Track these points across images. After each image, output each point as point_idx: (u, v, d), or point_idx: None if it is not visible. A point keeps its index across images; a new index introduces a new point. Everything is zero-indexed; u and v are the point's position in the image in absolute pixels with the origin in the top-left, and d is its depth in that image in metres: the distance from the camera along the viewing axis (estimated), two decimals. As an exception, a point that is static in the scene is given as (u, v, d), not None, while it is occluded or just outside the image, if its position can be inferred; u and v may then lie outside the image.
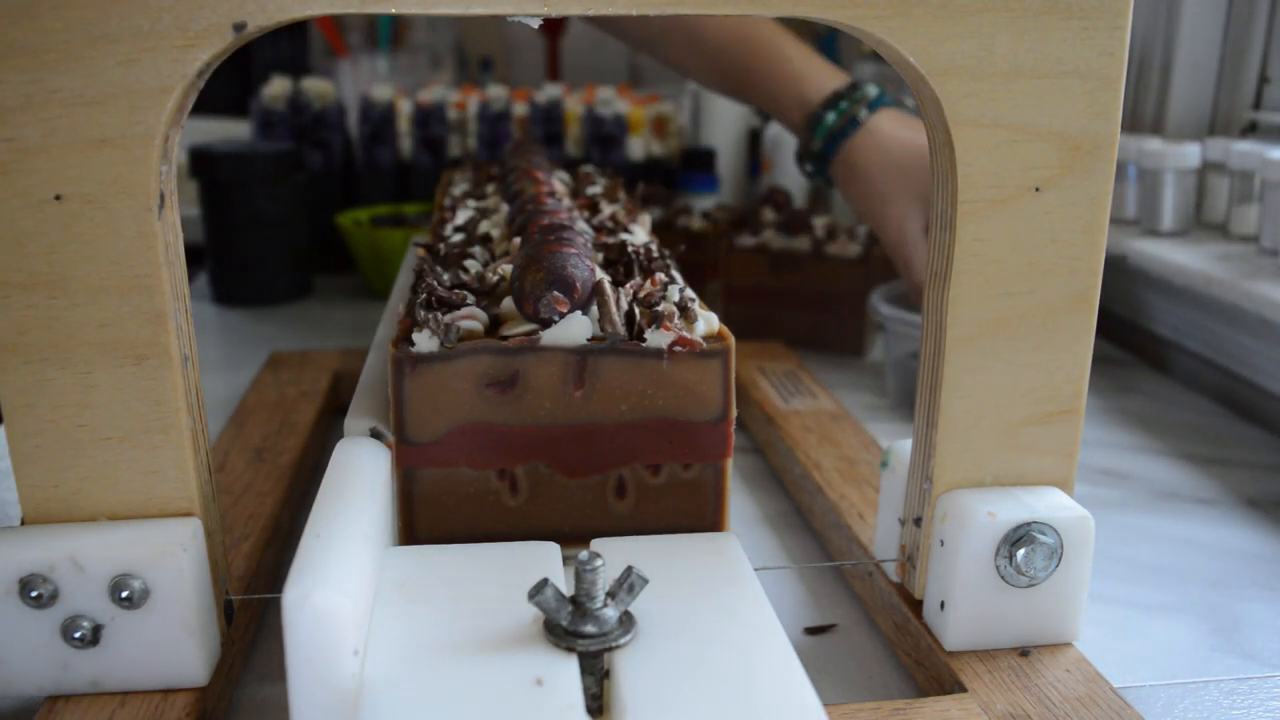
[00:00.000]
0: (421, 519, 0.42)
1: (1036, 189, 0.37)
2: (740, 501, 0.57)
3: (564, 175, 0.72)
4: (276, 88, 1.04)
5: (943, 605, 0.39)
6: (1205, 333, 0.75)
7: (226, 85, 1.83)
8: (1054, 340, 0.39)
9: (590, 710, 0.31)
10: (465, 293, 0.44)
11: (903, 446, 0.44)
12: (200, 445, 0.37)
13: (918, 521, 0.41)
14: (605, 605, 0.33)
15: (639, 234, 0.56)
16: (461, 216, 0.60)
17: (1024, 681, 0.38)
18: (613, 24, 0.79)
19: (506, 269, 0.46)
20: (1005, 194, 0.37)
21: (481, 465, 0.42)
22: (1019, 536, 0.38)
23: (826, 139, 0.71)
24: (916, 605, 0.42)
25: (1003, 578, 0.39)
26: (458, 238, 0.55)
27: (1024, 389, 0.39)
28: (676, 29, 0.75)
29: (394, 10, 0.33)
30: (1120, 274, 0.81)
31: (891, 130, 0.70)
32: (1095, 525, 0.39)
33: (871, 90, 0.71)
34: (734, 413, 0.42)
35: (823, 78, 0.72)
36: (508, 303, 0.43)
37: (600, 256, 0.49)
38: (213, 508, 0.38)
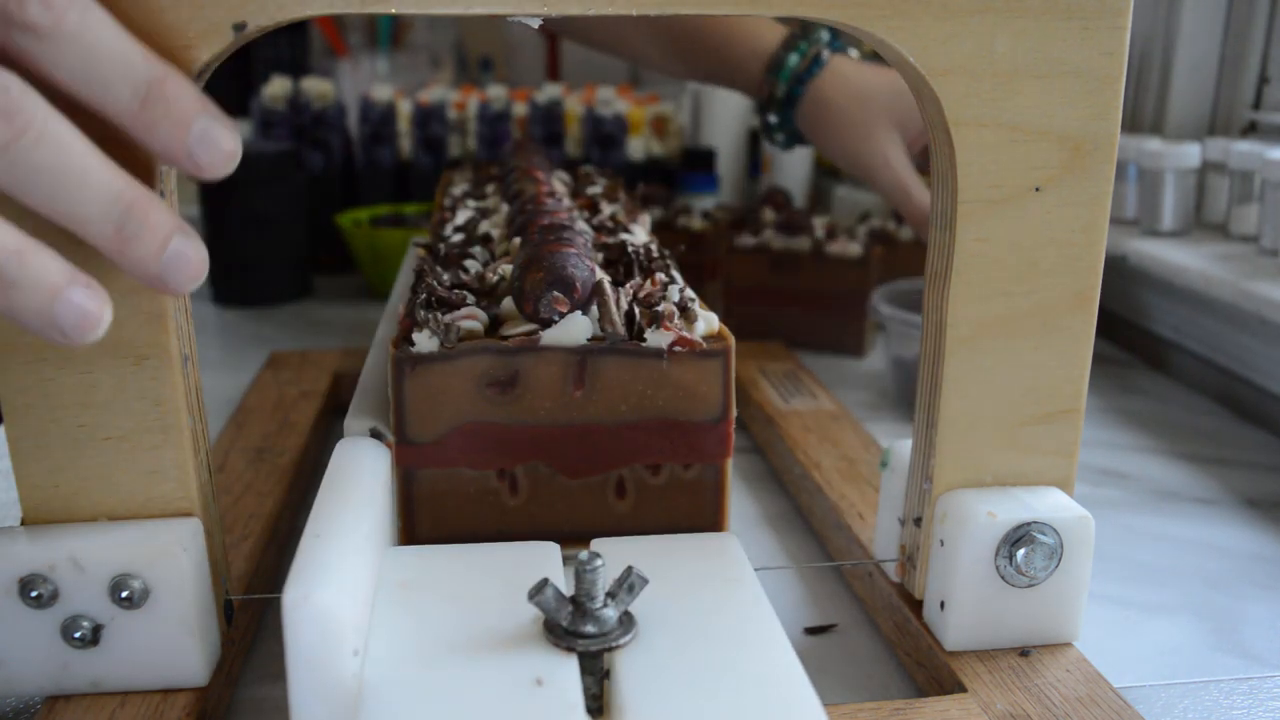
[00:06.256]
0: (421, 519, 0.42)
1: (1036, 189, 0.37)
2: (740, 501, 0.57)
3: (564, 175, 0.72)
4: (276, 88, 1.04)
5: (943, 605, 0.39)
6: (1205, 333, 0.75)
7: (226, 85, 1.82)
8: (1054, 340, 0.39)
9: (590, 710, 0.31)
10: (465, 293, 0.44)
11: (903, 446, 0.44)
12: (200, 445, 0.37)
13: (918, 521, 0.41)
14: (605, 605, 0.33)
15: (639, 234, 0.56)
16: (461, 216, 0.60)
17: (1024, 681, 0.38)
18: (570, 26, 0.78)
19: (506, 269, 0.46)
20: (1005, 194, 0.37)
21: (481, 465, 0.42)
22: (1019, 536, 0.38)
23: (792, 81, 0.70)
24: (916, 605, 0.42)
25: (1003, 578, 0.39)
26: (458, 238, 0.55)
27: (1024, 389, 0.39)
28: (633, 22, 0.75)
29: (394, 10, 0.33)
30: (1120, 274, 0.81)
31: (854, 67, 0.69)
32: (1095, 525, 0.39)
33: (825, 34, 0.70)
34: (734, 413, 0.42)
35: (775, 28, 0.71)
36: (508, 303, 0.43)
37: (600, 256, 0.49)
38: (213, 507, 0.38)
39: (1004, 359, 0.39)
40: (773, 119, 0.73)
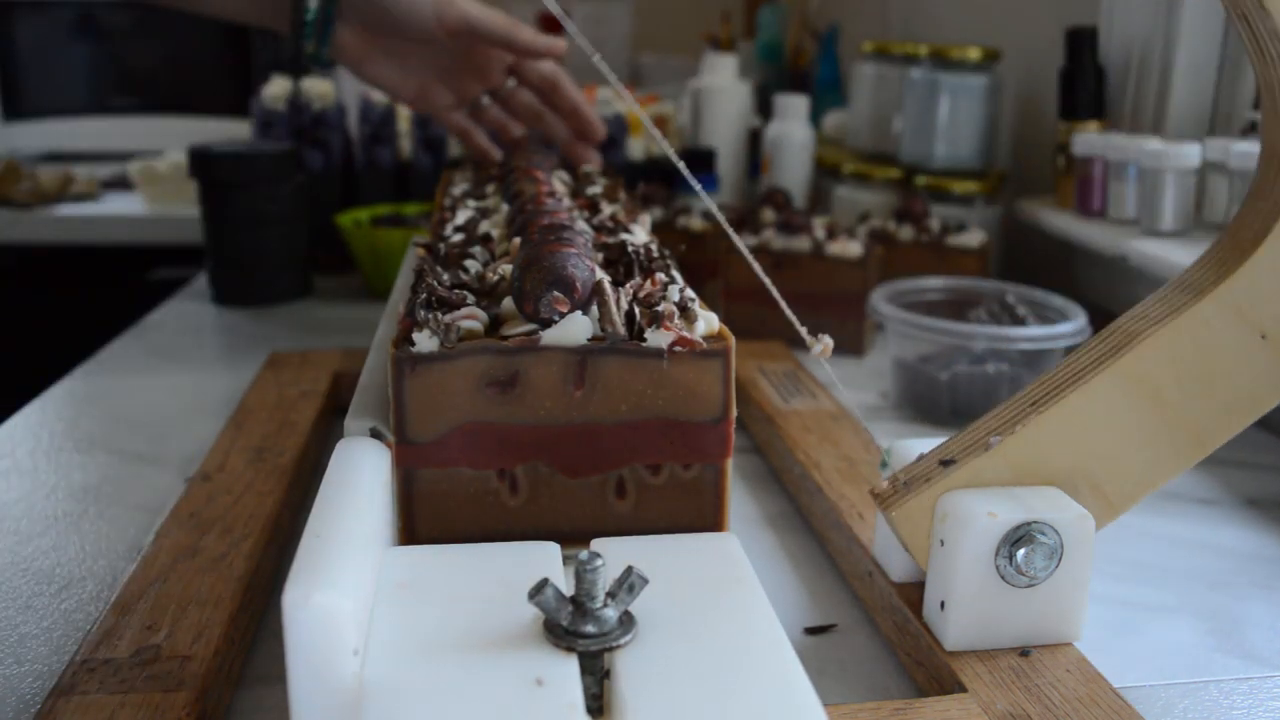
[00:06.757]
0: (421, 519, 0.42)
1: (1263, 336, 0.38)
2: (740, 501, 0.57)
3: (564, 175, 0.72)
4: (276, 88, 1.04)
5: (943, 605, 0.39)
6: (1205, 333, 0.74)
7: (226, 85, 1.82)
8: (1170, 441, 0.40)
9: (590, 710, 0.31)
10: (465, 293, 0.44)
11: (903, 446, 0.44)
12: None
13: (946, 462, 0.41)
14: (605, 605, 0.33)
15: (639, 234, 0.56)
16: (461, 216, 0.60)
17: (1024, 681, 0.38)
18: None
19: (506, 269, 0.46)
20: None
21: (481, 465, 0.42)
22: (1019, 536, 0.38)
23: None
24: (916, 605, 0.42)
25: (1003, 578, 0.39)
26: (458, 238, 0.55)
27: (1112, 455, 0.40)
28: None
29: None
30: (1120, 274, 0.81)
31: None
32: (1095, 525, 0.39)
33: None
34: (734, 413, 0.42)
35: None
36: (508, 303, 0.43)
37: (600, 256, 0.49)
38: None
39: (1132, 412, 0.39)
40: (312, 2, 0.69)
